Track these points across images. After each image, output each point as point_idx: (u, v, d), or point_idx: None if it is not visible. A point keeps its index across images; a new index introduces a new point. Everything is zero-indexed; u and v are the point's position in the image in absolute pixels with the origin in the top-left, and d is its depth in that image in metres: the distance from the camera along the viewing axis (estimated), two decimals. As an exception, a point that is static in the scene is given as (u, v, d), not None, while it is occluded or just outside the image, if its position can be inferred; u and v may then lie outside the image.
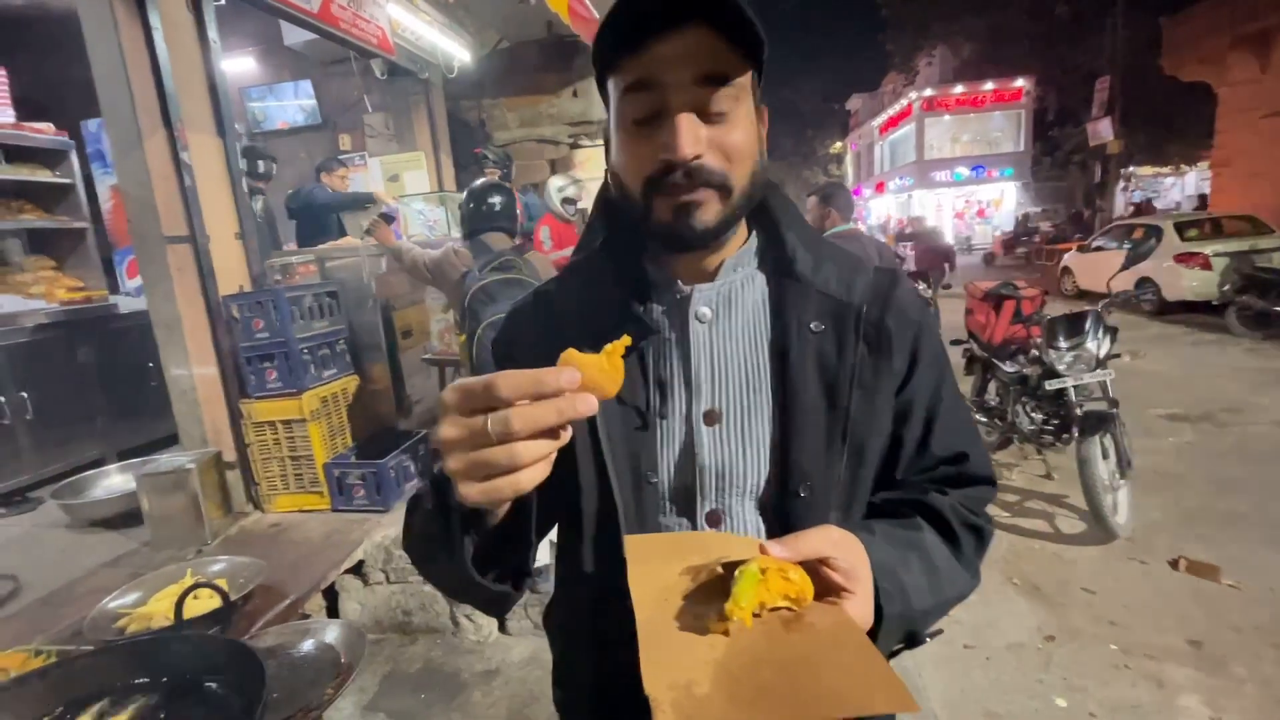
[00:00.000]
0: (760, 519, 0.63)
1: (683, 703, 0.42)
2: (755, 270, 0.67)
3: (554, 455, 0.45)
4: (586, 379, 0.44)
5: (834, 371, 0.62)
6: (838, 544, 0.53)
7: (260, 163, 4.00)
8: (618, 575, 0.52)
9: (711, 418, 0.63)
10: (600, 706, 0.68)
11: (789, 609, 0.49)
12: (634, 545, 0.55)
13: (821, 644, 0.47)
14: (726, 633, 0.47)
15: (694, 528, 0.63)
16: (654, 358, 0.65)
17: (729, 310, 0.65)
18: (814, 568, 0.51)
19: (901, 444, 0.66)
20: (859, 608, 0.52)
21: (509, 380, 0.42)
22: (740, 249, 0.66)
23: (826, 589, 0.52)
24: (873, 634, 0.54)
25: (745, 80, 0.58)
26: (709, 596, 0.50)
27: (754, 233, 0.68)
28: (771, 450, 0.62)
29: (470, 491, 0.44)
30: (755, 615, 0.48)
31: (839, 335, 0.63)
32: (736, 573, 0.49)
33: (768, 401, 0.63)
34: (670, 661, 0.45)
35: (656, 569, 0.53)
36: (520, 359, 0.69)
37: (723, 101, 0.56)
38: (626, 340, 0.48)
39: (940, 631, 0.64)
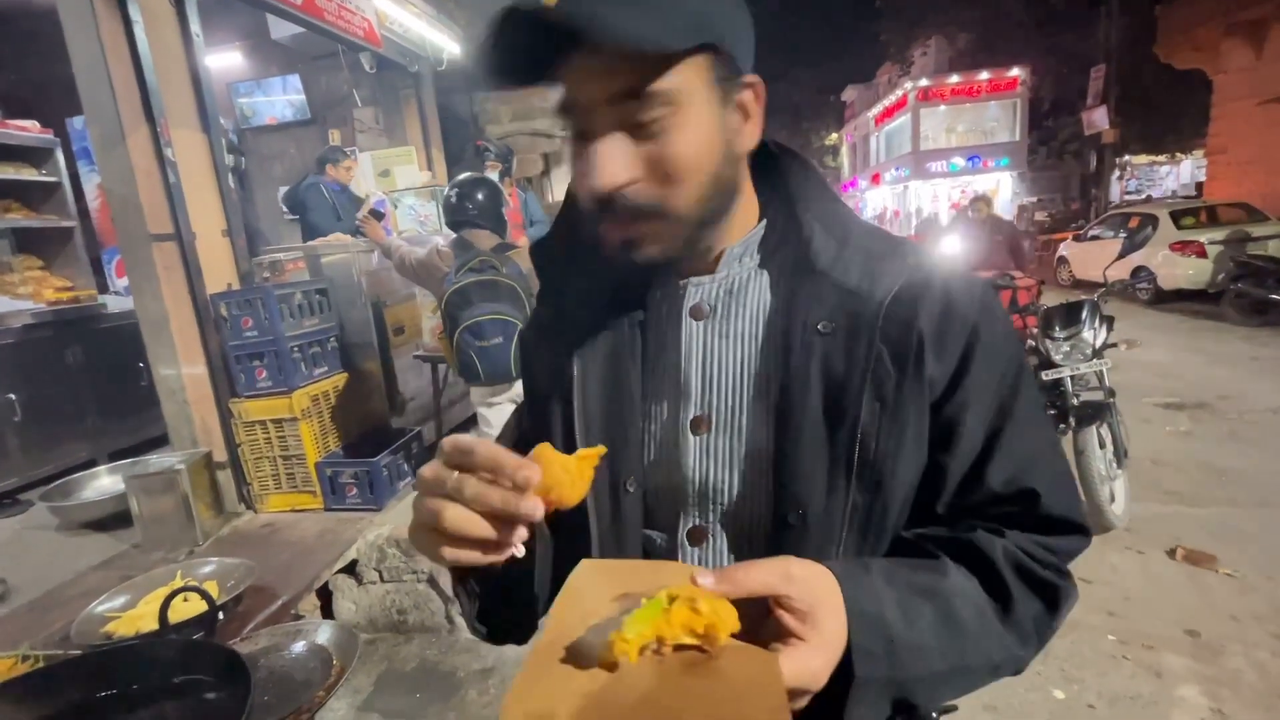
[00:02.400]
0: (747, 543, 0.56)
1: (534, 715, 0.39)
2: (767, 259, 0.59)
3: (487, 553, 0.45)
4: (547, 478, 0.43)
5: (840, 380, 0.53)
6: (795, 579, 0.43)
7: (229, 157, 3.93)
8: None
9: (699, 425, 0.56)
10: None
11: (699, 649, 0.41)
12: (584, 569, 0.49)
13: (721, 696, 0.39)
14: (614, 667, 0.41)
15: (675, 543, 0.58)
16: (644, 357, 0.59)
17: (730, 306, 0.57)
18: (769, 606, 0.44)
19: (944, 472, 0.54)
20: (806, 661, 0.42)
21: (485, 450, 0.43)
22: (747, 234, 0.59)
23: (777, 633, 0.44)
24: (841, 700, 0.45)
25: (683, 81, 0.48)
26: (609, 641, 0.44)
27: (765, 214, 0.60)
28: (762, 467, 0.55)
29: (413, 534, 0.47)
30: (656, 652, 0.41)
31: (850, 337, 0.53)
32: (642, 601, 0.43)
33: (764, 412, 0.55)
34: (539, 690, 0.40)
35: (590, 594, 0.47)
36: (536, 358, 0.68)
37: (653, 111, 0.48)
38: (601, 450, 0.48)
39: (954, 708, 0.55)
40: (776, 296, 0.57)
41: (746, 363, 0.56)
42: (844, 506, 0.53)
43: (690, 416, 0.57)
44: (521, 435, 0.68)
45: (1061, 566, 0.54)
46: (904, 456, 0.53)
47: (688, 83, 0.49)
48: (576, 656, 0.42)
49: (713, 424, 0.56)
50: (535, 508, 0.42)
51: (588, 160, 0.50)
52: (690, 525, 0.58)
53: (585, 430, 0.58)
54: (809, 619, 0.43)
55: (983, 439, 0.54)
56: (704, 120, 0.50)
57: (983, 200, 5.24)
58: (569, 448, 0.57)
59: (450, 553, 0.44)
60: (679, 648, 0.41)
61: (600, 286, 0.61)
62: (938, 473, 0.54)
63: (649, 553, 0.59)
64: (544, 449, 0.45)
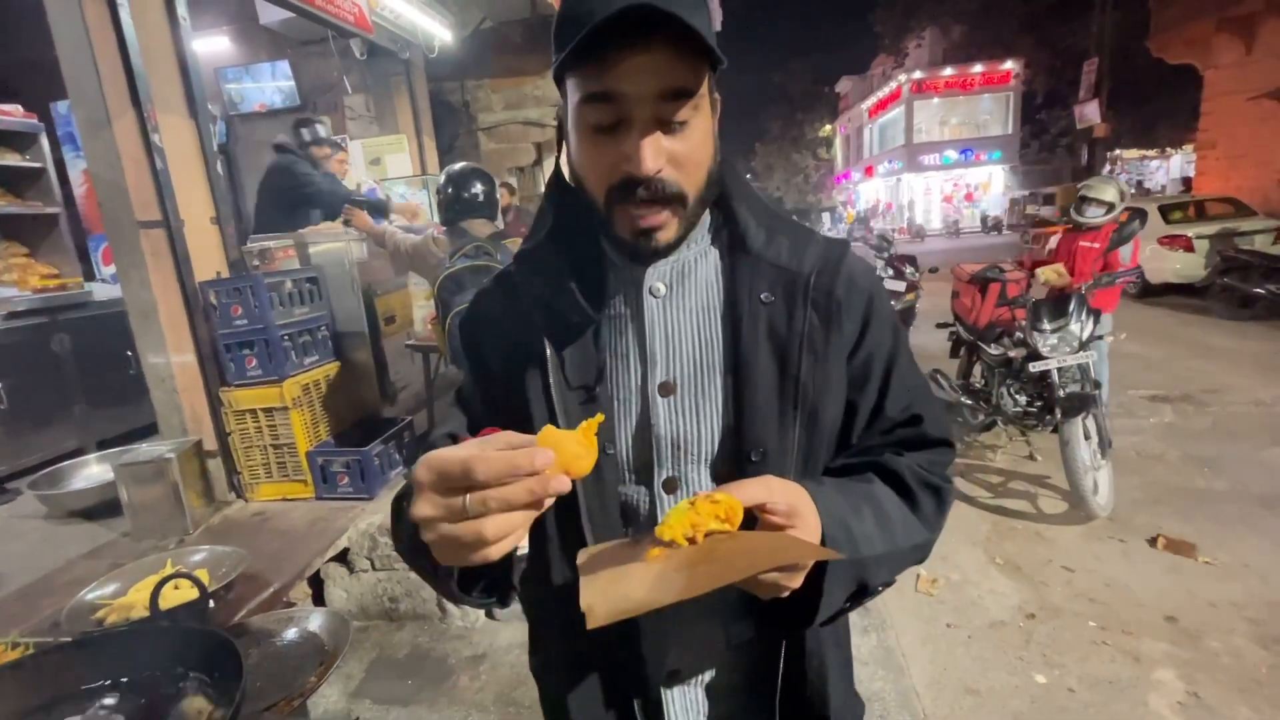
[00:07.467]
0: (714, 484, 0.65)
1: (615, 600, 0.47)
2: (709, 246, 0.69)
3: (528, 525, 0.47)
4: (561, 457, 0.46)
5: (784, 339, 0.64)
6: (775, 490, 0.54)
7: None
8: (580, 546, 0.57)
9: (666, 389, 0.65)
10: (573, 674, 0.71)
11: (724, 532, 0.51)
12: (584, 553, 0.58)
13: (759, 542, 0.51)
14: (662, 556, 0.51)
15: (651, 494, 0.66)
16: (610, 334, 0.67)
17: (682, 285, 0.67)
18: (753, 514, 0.53)
19: (856, 409, 0.68)
20: (803, 537, 0.54)
21: (485, 464, 0.44)
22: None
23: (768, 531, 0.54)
24: (818, 579, 0.56)
25: (704, 89, 0.58)
26: (646, 550, 0.53)
27: (707, 208, 0.70)
28: (724, 418, 0.65)
29: (445, 559, 0.49)
30: (691, 541, 0.50)
31: (789, 304, 0.65)
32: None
33: (720, 371, 0.65)
34: (606, 582, 0.50)
35: (602, 558, 0.56)
36: (487, 343, 0.73)
37: (683, 112, 0.57)
38: (600, 418, 0.52)
39: (891, 582, 0.65)
40: (722, 274, 0.68)
41: (703, 331, 0.66)
42: (792, 443, 0.64)
43: (658, 382, 0.65)
44: (475, 417, 0.73)
45: (944, 474, 0.70)
46: (831, 398, 0.66)
47: (705, 91, 0.59)
48: (625, 562, 0.52)
49: (678, 386, 0.65)
50: (564, 483, 0.46)
51: (626, 146, 0.57)
52: (665, 476, 0.66)
53: (563, 403, 0.65)
54: (792, 515, 0.54)
55: (881, 380, 0.68)
56: (708, 124, 0.61)
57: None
58: (551, 420, 0.64)
59: (499, 551, 0.46)
60: (707, 535, 0.51)
61: (564, 277, 0.67)
62: (851, 410, 0.69)
63: (627, 506, 0.67)
64: (550, 431, 0.48)
